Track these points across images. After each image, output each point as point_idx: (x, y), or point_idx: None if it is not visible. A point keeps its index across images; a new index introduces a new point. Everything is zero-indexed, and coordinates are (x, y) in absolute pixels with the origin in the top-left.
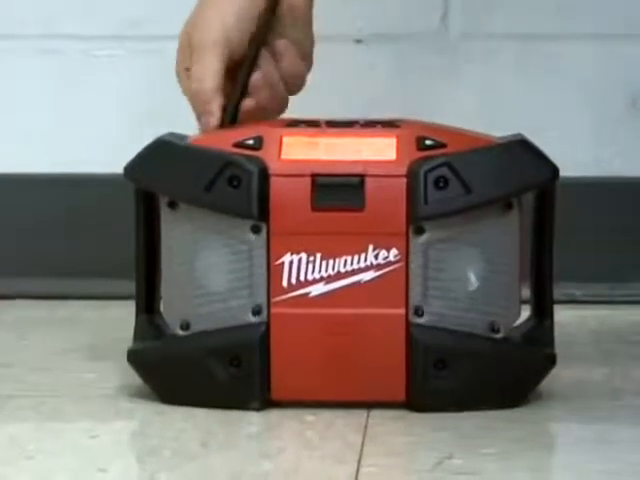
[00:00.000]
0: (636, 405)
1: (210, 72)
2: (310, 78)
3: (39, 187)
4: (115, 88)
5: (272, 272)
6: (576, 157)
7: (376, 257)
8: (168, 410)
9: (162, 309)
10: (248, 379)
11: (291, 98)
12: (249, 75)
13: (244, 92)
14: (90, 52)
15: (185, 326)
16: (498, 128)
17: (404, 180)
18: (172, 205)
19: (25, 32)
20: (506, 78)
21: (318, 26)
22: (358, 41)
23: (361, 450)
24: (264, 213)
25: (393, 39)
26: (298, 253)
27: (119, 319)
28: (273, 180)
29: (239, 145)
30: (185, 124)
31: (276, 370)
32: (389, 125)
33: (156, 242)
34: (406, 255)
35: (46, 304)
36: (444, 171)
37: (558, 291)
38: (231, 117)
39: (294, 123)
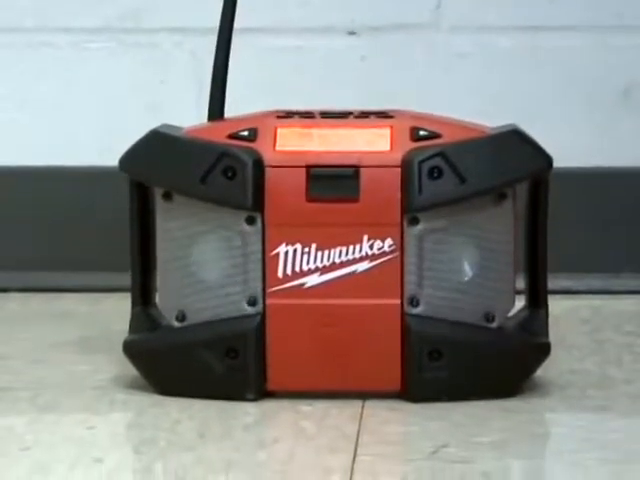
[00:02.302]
0: (629, 394)
1: None
2: (304, 70)
3: (34, 180)
4: (109, 80)
5: (267, 263)
6: (569, 147)
7: (371, 247)
8: (164, 401)
9: (157, 301)
10: (243, 370)
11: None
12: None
13: (225, 82)
14: (83, 45)
15: (180, 317)
16: (491, 118)
17: (398, 170)
18: (167, 197)
19: (18, 25)
20: (499, 69)
21: (311, 18)
22: (351, 33)
23: (357, 440)
24: (259, 204)
25: (386, 31)
26: (293, 244)
27: (114, 311)
28: (268, 171)
29: (234, 136)
30: (180, 116)
31: (271, 361)
32: (383, 116)
33: (151, 234)
34: (401, 245)
35: (41, 297)
36: (438, 161)
37: (552, 282)
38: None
39: (288, 114)
